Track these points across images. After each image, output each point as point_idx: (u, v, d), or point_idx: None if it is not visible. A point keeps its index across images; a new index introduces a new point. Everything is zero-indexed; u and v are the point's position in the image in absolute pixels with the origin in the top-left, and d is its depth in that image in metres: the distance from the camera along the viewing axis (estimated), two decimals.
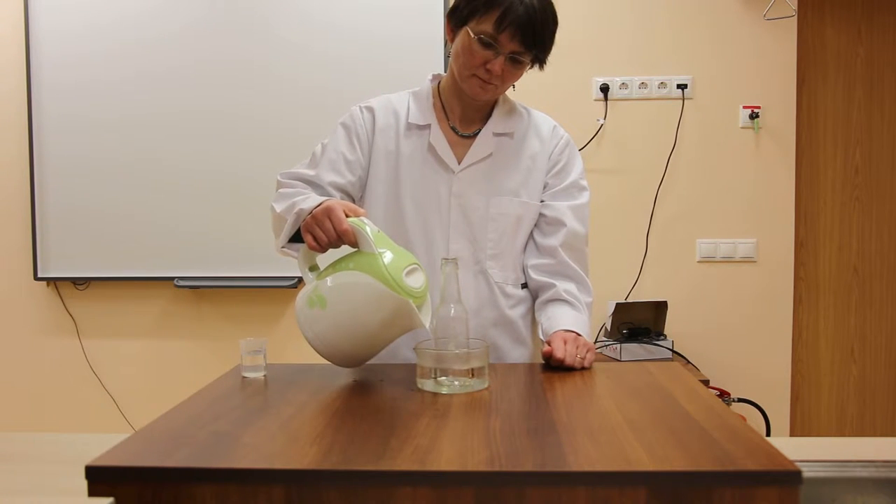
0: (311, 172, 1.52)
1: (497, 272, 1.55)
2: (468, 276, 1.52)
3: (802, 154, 3.10)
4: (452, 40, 1.47)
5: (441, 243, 1.52)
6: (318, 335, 1.25)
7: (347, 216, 1.25)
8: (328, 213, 1.25)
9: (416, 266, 1.25)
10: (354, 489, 0.86)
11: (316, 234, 1.27)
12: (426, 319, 1.26)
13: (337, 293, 1.23)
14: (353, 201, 1.56)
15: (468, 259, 1.52)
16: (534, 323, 1.61)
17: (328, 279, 1.25)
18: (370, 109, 1.56)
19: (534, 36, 1.39)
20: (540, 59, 1.46)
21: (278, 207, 1.43)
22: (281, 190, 1.49)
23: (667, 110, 3.05)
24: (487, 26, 1.38)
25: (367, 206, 1.55)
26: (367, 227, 1.24)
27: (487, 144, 1.54)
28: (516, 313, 1.58)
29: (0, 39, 3.15)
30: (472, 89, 1.47)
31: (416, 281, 1.23)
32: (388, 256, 1.21)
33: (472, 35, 1.40)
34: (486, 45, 1.39)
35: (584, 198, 1.59)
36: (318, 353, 1.28)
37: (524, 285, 1.60)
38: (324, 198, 1.38)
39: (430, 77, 1.60)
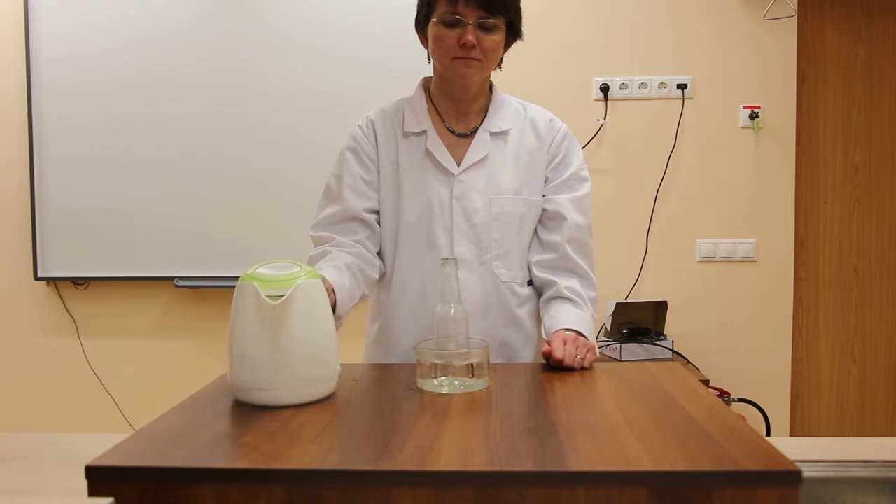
0: (337, 207, 1.53)
1: (504, 272, 1.54)
2: (475, 277, 1.51)
3: (802, 154, 3.10)
4: (428, 45, 1.49)
5: (446, 247, 1.51)
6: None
7: None
8: None
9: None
10: (354, 489, 0.86)
11: None
12: None
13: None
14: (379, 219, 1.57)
15: (474, 261, 1.52)
16: (540, 319, 1.61)
17: None
18: (370, 123, 1.57)
19: None
20: (512, 24, 1.46)
21: None
22: (312, 254, 1.51)
23: (667, 110, 3.05)
24: (443, 7, 1.42)
25: None
26: None
27: (484, 145, 1.54)
28: (525, 312, 1.57)
29: (0, 39, 3.15)
30: (458, 72, 1.46)
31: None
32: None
33: (436, 22, 1.43)
34: (451, 24, 1.42)
35: (585, 189, 1.58)
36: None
37: (531, 282, 1.60)
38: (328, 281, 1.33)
39: (420, 82, 1.60)
